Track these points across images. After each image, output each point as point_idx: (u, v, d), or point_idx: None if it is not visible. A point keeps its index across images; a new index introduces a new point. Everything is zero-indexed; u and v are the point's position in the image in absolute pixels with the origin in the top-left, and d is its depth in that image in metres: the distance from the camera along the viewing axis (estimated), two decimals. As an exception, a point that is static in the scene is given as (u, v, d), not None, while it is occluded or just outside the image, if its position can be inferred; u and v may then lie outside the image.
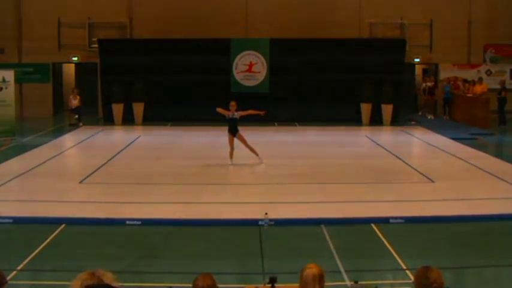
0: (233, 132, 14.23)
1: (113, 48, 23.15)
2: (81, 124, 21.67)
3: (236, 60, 22.90)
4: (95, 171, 13.53)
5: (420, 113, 24.28)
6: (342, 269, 7.57)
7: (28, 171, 13.42)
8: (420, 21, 24.06)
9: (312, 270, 3.98)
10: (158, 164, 14.62)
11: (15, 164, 14.60)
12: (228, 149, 14.31)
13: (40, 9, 24.02)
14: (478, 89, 22.22)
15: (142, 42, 23.44)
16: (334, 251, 8.30)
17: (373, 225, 9.47)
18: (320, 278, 3.98)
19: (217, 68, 22.40)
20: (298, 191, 11.72)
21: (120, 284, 3.29)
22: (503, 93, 21.84)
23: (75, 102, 21.98)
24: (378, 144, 17.77)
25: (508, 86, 24.64)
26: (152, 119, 22.11)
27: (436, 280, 3.58)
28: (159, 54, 22.54)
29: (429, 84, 23.87)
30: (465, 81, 23.94)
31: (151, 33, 23.56)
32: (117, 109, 22.38)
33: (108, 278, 3.20)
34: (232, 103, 14.36)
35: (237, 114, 14.19)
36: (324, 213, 10.06)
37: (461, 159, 15.11)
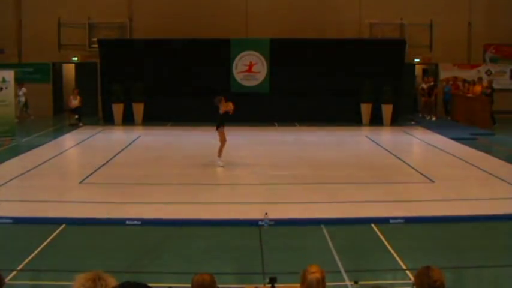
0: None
1: (113, 48, 23.15)
2: (81, 124, 21.68)
3: (236, 60, 22.90)
4: (95, 171, 13.53)
5: (420, 115, 24.23)
6: (342, 269, 7.57)
7: (28, 171, 13.42)
8: (420, 22, 24.04)
9: (315, 275, 3.99)
10: (158, 164, 14.62)
11: (15, 164, 14.59)
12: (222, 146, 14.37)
13: (40, 9, 24.01)
14: (478, 89, 22.22)
15: (143, 42, 23.41)
16: (334, 251, 8.30)
17: (373, 225, 9.46)
18: (322, 281, 4.00)
19: (217, 68, 22.41)
20: (298, 191, 11.72)
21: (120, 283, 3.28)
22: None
23: (75, 102, 22.00)
24: (378, 144, 17.77)
25: (508, 86, 24.70)
26: (152, 119, 22.11)
27: (439, 278, 3.58)
28: (159, 54, 22.54)
29: (426, 85, 23.81)
30: (465, 81, 23.95)
31: (151, 33, 23.53)
32: (117, 109, 22.38)
33: (110, 281, 3.18)
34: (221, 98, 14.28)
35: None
36: (324, 213, 10.06)
37: (461, 159, 15.10)
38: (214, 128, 14.22)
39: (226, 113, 14.13)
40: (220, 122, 14.15)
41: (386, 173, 13.61)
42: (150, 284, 3.08)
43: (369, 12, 24.09)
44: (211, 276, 3.95)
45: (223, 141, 14.30)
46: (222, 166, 14.10)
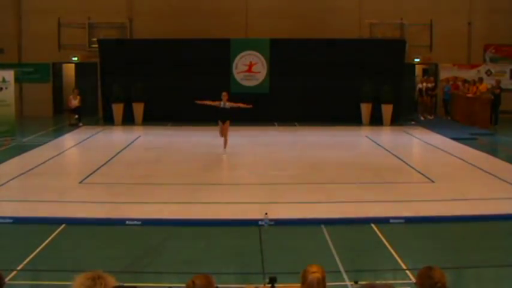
0: (223, 120, 15.29)
1: (113, 48, 23.16)
2: (81, 124, 21.68)
3: (236, 60, 22.90)
4: (95, 171, 13.53)
5: (420, 115, 24.19)
6: (342, 269, 7.57)
7: (28, 171, 13.42)
8: (420, 22, 24.05)
9: (316, 275, 3.98)
10: (158, 164, 14.62)
11: (15, 164, 14.60)
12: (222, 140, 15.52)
13: (40, 9, 24.01)
14: (483, 86, 22.16)
15: (142, 42, 23.43)
16: (334, 251, 8.30)
17: (373, 225, 9.47)
18: (323, 281, 3.99)
19: (217, 68, 22.40)
20: (298, 191, 11.72)
21: (120, 284, 3.28)
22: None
23: (75, 102, 22.00)
24: (378, 144, 17.77)
25: (508, 86, 24.68)
26: (152, 119, 22.11)
27: (440, 279, 3.57)
28: (159, 54, 22.54)
29: (429, 85, 23.80)
30: (465, 81, 23.94)
31: (151, 33, 23.55)
32: (117, 109, 22.38)
33: (109, 281, 3.18)
34: (224, 93, 15.50)
35: (228, 105, 15.23)
36: (324, 213, 10.06)
37: (461, 159, 15.11)
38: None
39: (224, 107, 15.24)
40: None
41: (386, 173, 13.60)
42: (150, 284, 3.07)
43: (369, 12, 24.08)
44: (208, 278, 3.88)
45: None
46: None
